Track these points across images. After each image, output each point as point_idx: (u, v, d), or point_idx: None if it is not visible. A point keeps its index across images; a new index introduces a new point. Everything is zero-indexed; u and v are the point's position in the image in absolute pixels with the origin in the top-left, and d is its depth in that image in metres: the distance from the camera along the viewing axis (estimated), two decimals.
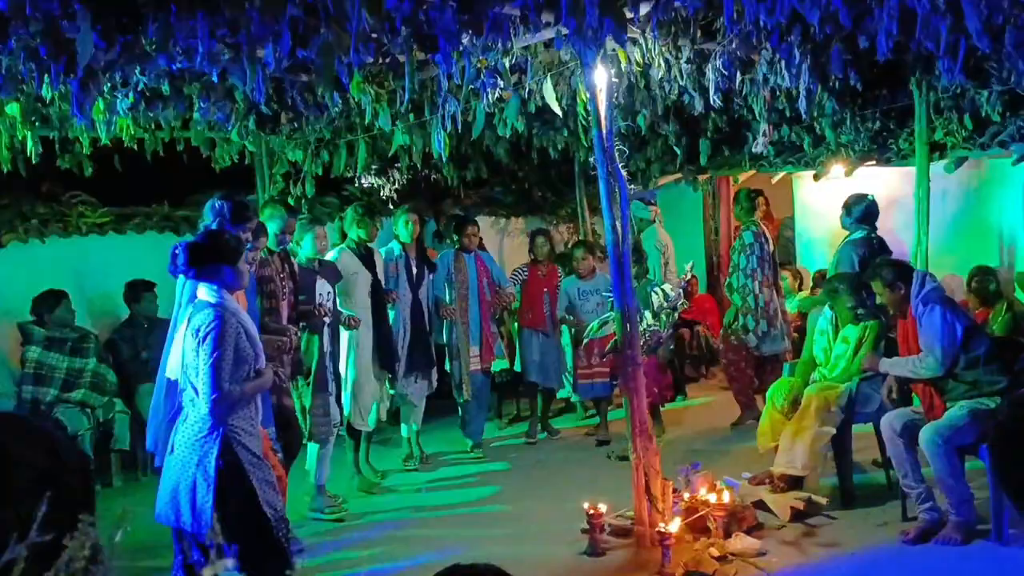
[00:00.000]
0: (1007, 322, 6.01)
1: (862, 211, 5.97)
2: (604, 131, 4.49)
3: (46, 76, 3.70)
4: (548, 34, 4.31)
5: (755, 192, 7.13)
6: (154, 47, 3.58)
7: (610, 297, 4.72)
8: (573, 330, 6.99)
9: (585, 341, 6.55)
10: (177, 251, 3.53)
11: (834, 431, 5.03)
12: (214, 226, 4.23)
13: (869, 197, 6.06)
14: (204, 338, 3.34)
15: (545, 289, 7.06)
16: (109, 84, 4.14)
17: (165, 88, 4.53)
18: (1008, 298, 6.30)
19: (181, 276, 3.60)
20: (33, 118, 4.99)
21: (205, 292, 3.47)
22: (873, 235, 5.98)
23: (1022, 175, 6.70)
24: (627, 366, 4.62)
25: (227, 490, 3.35)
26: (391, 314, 6.16)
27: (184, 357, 3.45)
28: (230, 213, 4.27)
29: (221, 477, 3.34)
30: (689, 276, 6.88)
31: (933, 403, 4.60)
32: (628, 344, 4.59)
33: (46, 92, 3.98)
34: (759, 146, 6.50)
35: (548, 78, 4.84)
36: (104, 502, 5.51)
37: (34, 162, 5.48)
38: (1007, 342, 5.25)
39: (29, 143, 5.27)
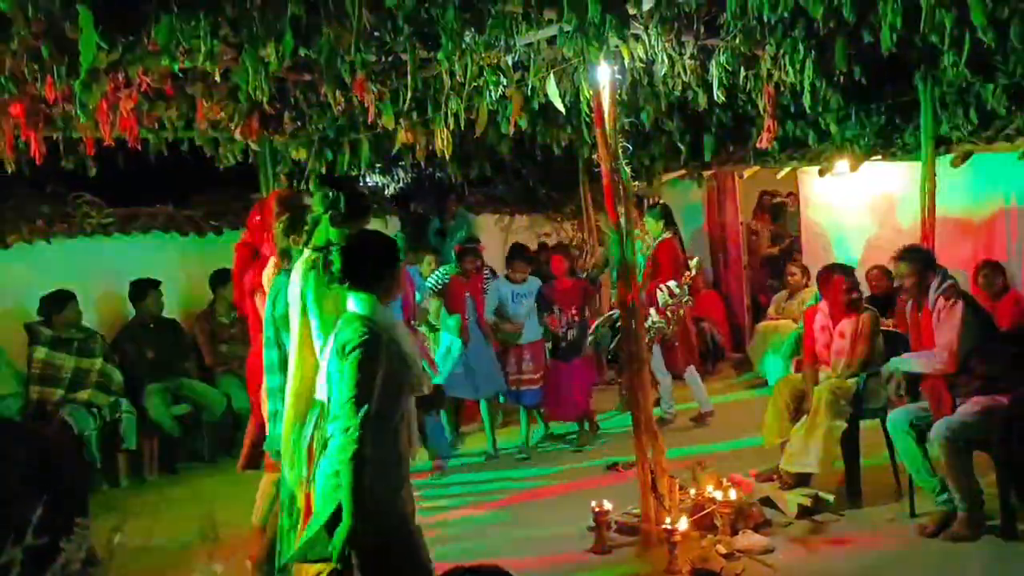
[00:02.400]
0: (1015, 317, 5.98)
1: (667, 214, 7.25)
2: (608, 128, 4.47)
3: (49, 77, 3.72)
4: (551, 31, 4.30)
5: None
6: (157, 47, 3.58)
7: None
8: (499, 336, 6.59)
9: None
10: (330, 258, 3.08)
11: (845, 425, 4.99)
12: (328, 219, 3.50)
13: (667, 205, 7.75)
14: (349, 355, 2.90)
15: (467, 294, 6.50)
16: (112, 84, 4.14)
17: (168, 88, 4.54)
18: (1015, 293, 6.27)
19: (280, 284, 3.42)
20: (36, 118, 4.99)
21: (355, 304, 3.03)
22: (676, 236, 7.27)
23: None
24: (631, 364, 4.60)
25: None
26: None
27: (329, 377, 3.03)
28: (346, 207, 3.48)
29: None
30: (694, 273, 6.86)
31: (941, 400, 4.57)
32: (631, 341, 4.58)
33: (49, 92, 3.98)
34: (763, 142, 6.51)
35: (551, 75, 4.83)
36: (110, 502, 5.58)
37: (38, 163, 5.48)
38: (1017, 338, 5.22)
39: (32, 144, 5.27)
